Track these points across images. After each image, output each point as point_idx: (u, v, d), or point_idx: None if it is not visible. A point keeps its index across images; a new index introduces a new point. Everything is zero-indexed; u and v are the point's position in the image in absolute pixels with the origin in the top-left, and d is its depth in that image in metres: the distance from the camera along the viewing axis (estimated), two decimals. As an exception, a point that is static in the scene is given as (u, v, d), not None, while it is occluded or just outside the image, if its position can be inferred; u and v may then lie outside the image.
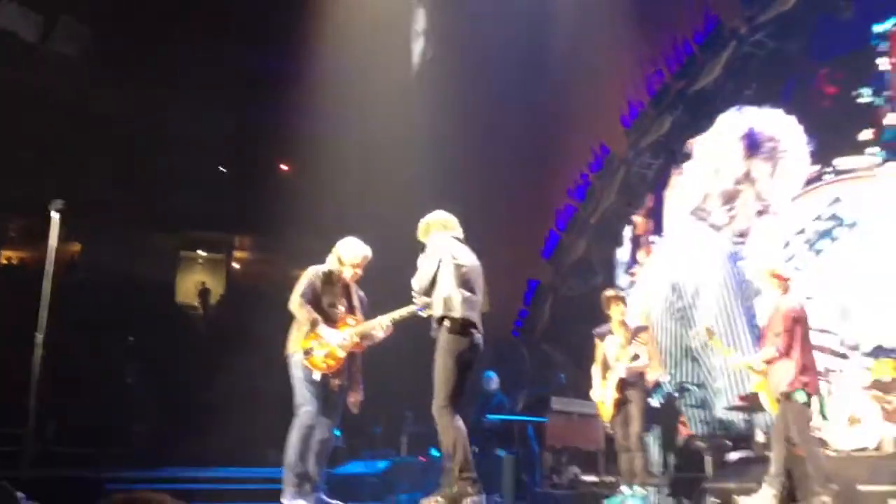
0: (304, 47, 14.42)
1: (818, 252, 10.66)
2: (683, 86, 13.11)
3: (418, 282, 5.47)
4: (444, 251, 5.45)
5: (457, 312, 5.29)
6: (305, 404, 5.57)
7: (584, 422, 10.21)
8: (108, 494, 1.52)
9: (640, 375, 7.60)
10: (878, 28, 10.47)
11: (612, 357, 7.54)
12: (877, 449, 7.41)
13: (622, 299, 7.82)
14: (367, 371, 6.06)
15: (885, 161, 10.11)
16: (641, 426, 7.53)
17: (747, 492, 7.49)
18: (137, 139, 15.84)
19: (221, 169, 18.09)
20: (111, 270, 15.96)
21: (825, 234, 10.61)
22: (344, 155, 14.70)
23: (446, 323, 5.31)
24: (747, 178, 11.58)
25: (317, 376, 5.60)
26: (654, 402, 10.04)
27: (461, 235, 5.69)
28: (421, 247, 5.69)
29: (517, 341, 14.35)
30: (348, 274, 5.89)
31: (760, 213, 11.42)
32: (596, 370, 7.71)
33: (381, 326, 5.75)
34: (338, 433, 9.86)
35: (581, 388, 8.54)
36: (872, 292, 9.63)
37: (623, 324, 7.63)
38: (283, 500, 5.51)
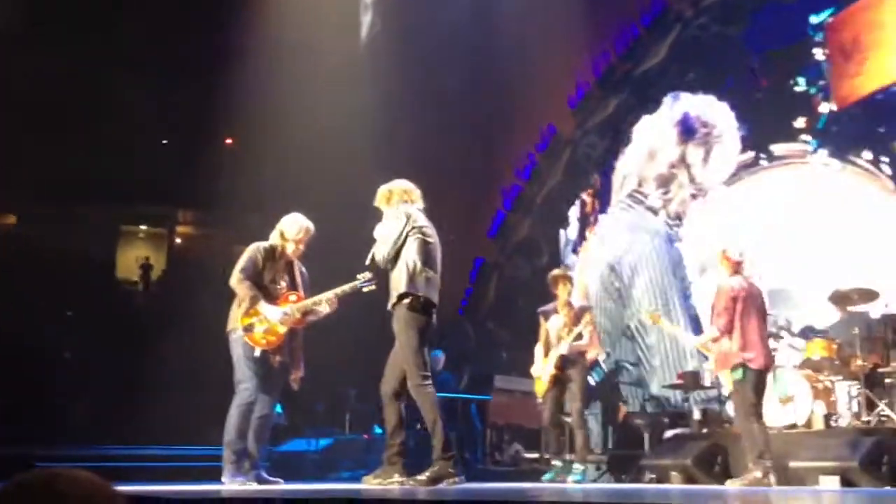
0: (250, 19, 14.16)
1: (750, 227, 11.01)
2: (629, 68, 13.22)
3: (380, 253, 5.36)
4: (412, 224, 5.33)
5: (420, 291, 5.25)
6: (245, 381, 5.53)
7: (526, 399, 10.33)
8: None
9: (581, 354, 7.70)
10: (814, 19, 10.74)
11: (556, 336, 7.62)
12: (806, 426, 7.63)
13: (569, 279, 7.91)
14: (309, 348, 6.03)
15: (818, 148, 10.44)
16: (582, 404, 7.66)
17: (682, 468, 7.67)
18: (77, 110, 15.44)
19: (164, 142, 17.71)
20: (48, 244, 15.58)
21: (757, 211, 10.97)
22: (290, 129, 14.50)
23: (407, 300, 5.24)
24: (682, 162, 11.92)
25: (257, 353, 5.55)
26: (591, 380, 10.25)
27: (422, 206, 5.59)
28: (378, 215, 5.57)
29: (462, 319, 14.41)
30: (290, 249, 5.85)
31: (694, 196, 11.78)
32: (539, 348, 7.80)
33: (324, 302, 5.71)
34: (279, 410, 9.83)
35: (524, 366, 8.62)
36: (805, 275, 9.94)
37: (568, 303, 7.72)
38: (223, 478, 5.47)
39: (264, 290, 5.68)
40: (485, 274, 14.90)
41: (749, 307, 6.50)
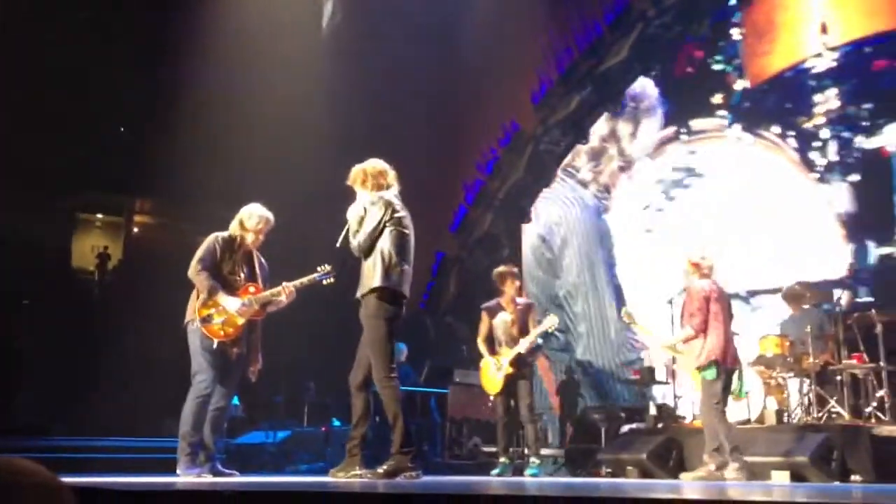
0: (211, 5, 14.00)
1: (671, 199, 11.88)
2: (592, 65, 13.30)
3: (356, 241, 5.24)
4: (390, 214, 5.23)
5: (394, 285, 5.19)
6: (202, 373, 5.47)
7: (485, 393, 10.37)
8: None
9: (532, 352, 7.77)
10: (732, 0, 11.35)
11: (504, 333, 7.65)
12: (759, 421, 7.77)
13: (516, 275, 7.92)
14: (268, 340, 5.99)
15: (732, 123, 11.17)
16: (532, 398, 7.72)
17: (637, 462, 7.77)
18: (33, 93, 15.13)
19: (121, 129, 17.43)
20: (2, 231, 15.28)
21: (678, 183, 11.76)
22: (251, 118, 14.37)
23: (378, 291, 5.18)
24: (612, 136, 12.68)
25: (215, 345, 5.50)
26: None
27: (398, 190, 5.46)
28: (349, 195, 5.45)
29: (422, 313, 14.41)
30: (250, 239, 5.79)
31: (623, 168, 12.42)
32: (481, 344, 7.82)
33: (283, 292, 5.67)
34: (236, 402, 9.75)
35: (483, 360, 8.64)
36: (719, 239, 10.37)
37: (513, 300, 7.76)
38: (177, 470, 5.42)
39: (223, 280, 5.63)
40: (446, 268, 14.91)
41: (721, 308, 6.65)
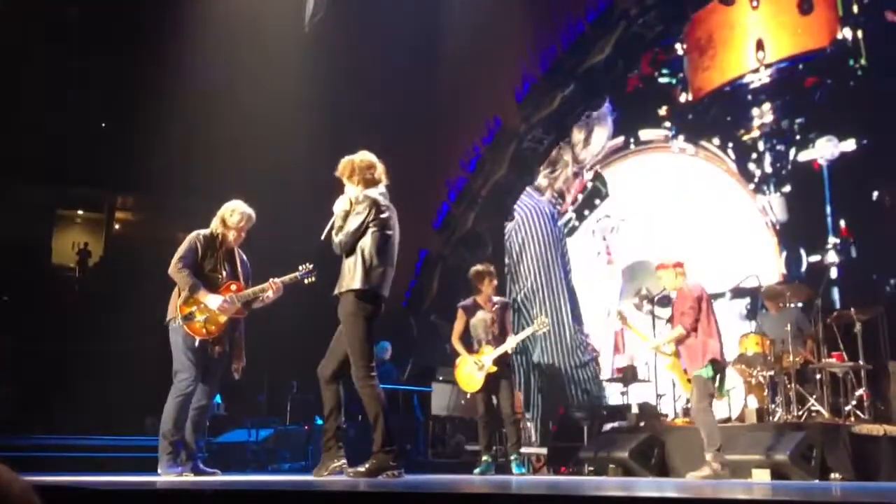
0: (195, 1, 13.92)
1: (627, 210, 12.19)
2: (575, 63, 13.30)
3: (337, 239, 5.19)
4: (374, 214, 5.18)
5: (374, 288, 5.16)
6: (183, 371, 5.45)
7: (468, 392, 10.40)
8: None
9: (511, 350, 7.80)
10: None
11: (484, 332, 7.66)
12: (740, 419, 7.82)
13: (492, 274, 7.91)
14: (251, 338, 5.97)
15: (676, 135, 11.59)
16: (513, 395, 7.74)
17: (619, 461, 7.80)
18: (12, 88, 15.00)
19: (102, 125, 17.31)
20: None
21: (635, 195, 12.06)
22: (234, 115, 14.31)
23: (356, 291, 5.14)
24: (567, 143, 13.15)
25: (197, 343, 5.47)
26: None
27: (386, 185, 5.42)
28: (336, 189, 5.40)
29: (405, 311, 14.39)
30: (232, 237, 5.76)
31: (576, 174, 12.77)
32: (457, 342, 7.81)
33: (271, 287, 5.65)
34: (218, 400, 9.71)
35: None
36: (664, 247, 10.58)
37: (489, 299, 7.77)
38: (158, 469, 5.39)
39: (205, 278, 5.60)
40: (429, 266, 14.88)
41: (710, 307, 6.70)
